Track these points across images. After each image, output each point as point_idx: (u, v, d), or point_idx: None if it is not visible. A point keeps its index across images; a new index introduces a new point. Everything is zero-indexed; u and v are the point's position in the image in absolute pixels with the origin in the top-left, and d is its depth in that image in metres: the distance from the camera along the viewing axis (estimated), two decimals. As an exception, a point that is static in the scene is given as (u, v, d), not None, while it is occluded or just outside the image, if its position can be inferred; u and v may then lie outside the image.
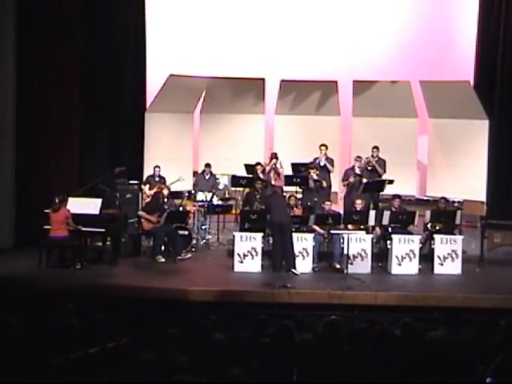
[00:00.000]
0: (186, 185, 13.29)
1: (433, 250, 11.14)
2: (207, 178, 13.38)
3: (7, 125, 12.29)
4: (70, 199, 11.18)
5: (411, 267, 10.93)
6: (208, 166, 13.56)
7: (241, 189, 13.53)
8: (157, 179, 13.01)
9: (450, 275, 10.88)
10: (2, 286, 9.69)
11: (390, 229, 11.36)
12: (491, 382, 5.58)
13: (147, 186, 12.98)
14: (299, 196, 12.58)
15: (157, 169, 13.13)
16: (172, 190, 12.31)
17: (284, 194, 12.27)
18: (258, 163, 13.14)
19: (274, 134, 15.33)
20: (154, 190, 12.50)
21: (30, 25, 12.31)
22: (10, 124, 12.30)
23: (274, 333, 6.86)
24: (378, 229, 11.50)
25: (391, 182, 12.72)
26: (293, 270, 10.63)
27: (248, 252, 10.93)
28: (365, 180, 12.61)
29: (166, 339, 6.31)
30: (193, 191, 13.03)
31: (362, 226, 11.23)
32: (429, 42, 15.36)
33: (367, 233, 11.21)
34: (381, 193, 12.85)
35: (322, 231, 11.34)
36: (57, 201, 10.80)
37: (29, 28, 12.30)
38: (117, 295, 9.60)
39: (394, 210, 11.53)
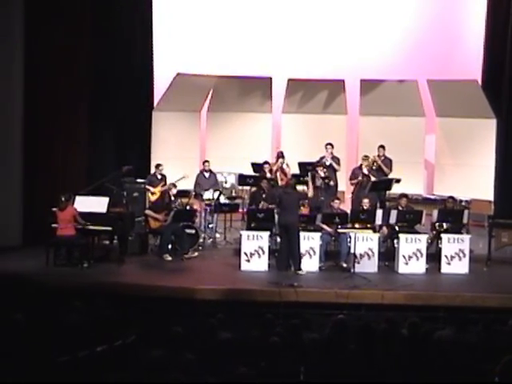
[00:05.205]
0: (190, 183, 13.21)
1: (440, 249, 11.11)
2: (207, 176, 13.29)
3: (15, 124, 12.32)
4: (78, 198, 11.21)
5: (418, 266, 10.91)
6: (206, 162, 13.36)
7: (248, 187, 13.51)
8: (159, 177, 12.98)
9: (457, 274, 10.85)
10: (9, 283, 9.71)
11: (397, 228, 11.35)
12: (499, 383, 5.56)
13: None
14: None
15: (160, 167, 13.08)
16: (178, 188, 12.29)
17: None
18: (266, 162, 13.12)
19: (280, 133, 15.33)
20: (159, 187, 12.49)
21: (37, 24, 12.34)
22: (17, 123, 12.33)
23: (282, 332, 6.86)
24: (385, 228, 11.49)
25: (398, 180, 12.69)
26: (298, 271, 10.65)
27: (255, 251, 10.93)
28: (373, 179, 12.58)
29: (172, 338, 6.31)
30: (193, 192, 12.92)
31: (368, 225, 11.21)
32: (436, 41, 15.34)
33: (374, 232, 11.20)
34: (388, 192, 12.83)
35: (329, 229, 11.33)
36: (63, 199, 10.82)
37: (36, 27, 12.32)
38: (124, 293, 9.60)
39: (401, 208, 11.51)
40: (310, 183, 11.91)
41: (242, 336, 7.03)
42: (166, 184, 12.52)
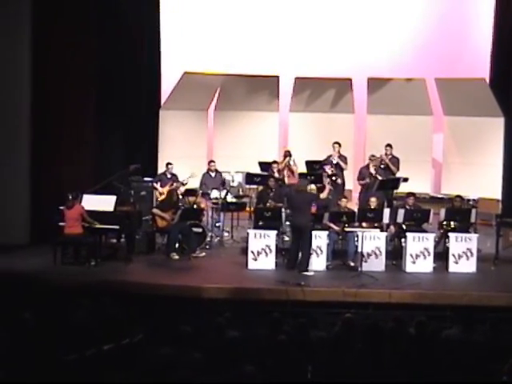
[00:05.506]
0: (196, 182, 13.19)
1: (447, 248, 11.08)
2: (213, 175, 13.26)
3: (22, 123, 12.35)
4: (85, 196, 11.23)
5: (426, 265, 10.88)
6: (212, 162, 13.36)
7: (255, 186, 13.50)
8: (169, 176, 12.97)
9: (464, 273, 10.82)
10: (17, 282, 9.75)
11: (404, 227, 11.32)
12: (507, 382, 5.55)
13: (158, 183, 12.93)
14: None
15: (169, 166, 13.08)
16: (186, 187, 12.29)
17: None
18: (275, 162, 13.11)
19: (288, 132, 15.33)
20: (167, 187, 12.48)
21: (44, 22, 12.35)
22: (25, 122, 12.36)
23: (289, 330, 6.85)
24: (392, 227, 11.47)
25: (406, 179, 12.67)
26: (305, 272, 10.61)
27: (262, 249, 10.92)
28: (380, 178, 12.56)
29: (180, 336, 6.32)
30: (200, 191, 12.90)
31: (376, 224, 11.19)
32: (444, 39, 15.30)
33: (381, 231, 11.18)
34: (395, 190, 12.81)
35: (336, 228, 11.30)
36: (70, 198, 10.84)
37: (44, 26, 12.34)
38: (131, 292, 9.61)
39: (408, 207, 11.49)
40: (328, 186, 11.81)
41: (249, 335, 7.02)
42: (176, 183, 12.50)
